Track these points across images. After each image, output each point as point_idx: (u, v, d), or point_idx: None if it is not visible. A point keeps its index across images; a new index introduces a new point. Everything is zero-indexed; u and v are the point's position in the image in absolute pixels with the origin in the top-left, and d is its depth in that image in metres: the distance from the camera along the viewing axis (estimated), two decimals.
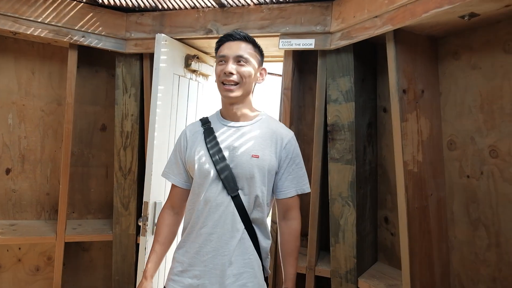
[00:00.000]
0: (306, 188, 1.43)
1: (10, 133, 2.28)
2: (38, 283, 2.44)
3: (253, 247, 1.34)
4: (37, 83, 2.31)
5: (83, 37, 2.07)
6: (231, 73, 1.32)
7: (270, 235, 1.43)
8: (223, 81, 1.33)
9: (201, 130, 1.42)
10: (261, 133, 1.38)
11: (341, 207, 1.96)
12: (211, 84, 2.46)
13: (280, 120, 2.08)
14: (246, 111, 1.40)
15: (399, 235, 1.65)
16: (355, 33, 1.69)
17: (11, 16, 1.90)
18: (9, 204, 2.33)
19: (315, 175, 2.03)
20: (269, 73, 2.72)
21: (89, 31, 2.07)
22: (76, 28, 2.04)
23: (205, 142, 1.36)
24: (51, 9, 1.97)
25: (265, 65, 2.49)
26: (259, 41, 2.08)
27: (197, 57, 2.21)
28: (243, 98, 1.38)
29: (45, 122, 2.36)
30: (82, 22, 2.05)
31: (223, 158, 1.33)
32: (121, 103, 2.27)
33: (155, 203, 1.99)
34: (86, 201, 2.54)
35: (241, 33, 1.38)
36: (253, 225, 1.35)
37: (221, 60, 1.36)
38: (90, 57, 2.38)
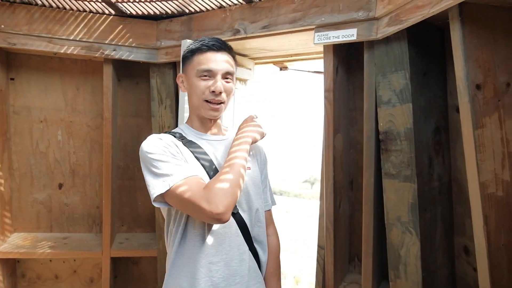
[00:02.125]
0: (274, 201, 1.42)
1: (60, 149, 2.36)
2: None
3: (259, 270, 1.25)
4: (82, 99, 2.35)
5: (114, 50, 2.02)
6: (221, 92, 1.18)
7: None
8: (210, 100, 1.18)
9: (180, 143, 1.22)
10: None
11: (400, 234, 1.57)
12: (250, 89, 2.24)
13: (324, 127, 1.77)
14: (219, 123, 1.33)
15: None
16: (405, 16, 1.30)
17: (45, 37, 1.92)
18: (63, 217, 2.41)
19: (367, 193, 1.68)
20: (316, 72, 2.40)
21: (119, 43, 2.01)
22: (106, 42, 2.00)
23: (194, 155, 1.18)
24: (82, 25, 1.95)
25: (308, 63, 2.18)
26: (292, 37, 1.80)
27: None
28: None
29: (91, 137, 2.39)
30: (112, 35, 2.00)
31: (217, 172, 1.17)
32: (157, 115, 2.17)
33: None
34: (135, 215, 2.52)
35: (224, 43, 1.24)
36: (254, 244, 1.25)
37: (206, 74, 1.18)
38: (130, 69, 2.34)
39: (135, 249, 2.29)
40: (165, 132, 1.28)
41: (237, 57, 2.13)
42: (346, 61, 1.78)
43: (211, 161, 1.19)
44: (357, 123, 1.90)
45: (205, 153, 1.20)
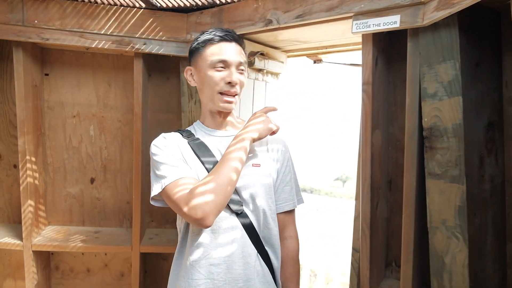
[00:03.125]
0: (301, 200, 1.31)
1: (92, 145, 2.38)
2: None
3: (270, 274, 1.18)
4: (113, 95, 2.35)
5: (144, 44, 1.99)
6: (236, 83, 1.16)
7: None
8: (225, 92, 1.15)
9: (184, 142, 1.20)
10: None
11: (445, 240, 1.44)
12: (282, 83, 2.15)
13: (361, 123, 1.65)
14: (232, 119, 1.28)
15: None
16: None
17: (77, 32, 1.92)
18: (95, 211, 2.44)
19: (408, 194, 1.55)
20: (352, 64, 2.27)
21: (149, 37, 1.98)
22: (137, 36, 1.97)
23: (197, 155, 1.16)
24: (113, 19, 1.94)
25: (344, 55, 2.12)
26: (328, 26, 1.69)
27: (262, 54, 1.93)
28: None
29: (122, 133, 2.39)
30: (142, 29, 1.97)
31: None
32: (187, 110, 2.13)
33: None
34: (164, 211, 2.50)
35: (235, 33, 1.21)
36: (265, 247, 1.18)
37: (221, 65, 1.15)
38: (160, 64, 2.32)
39: (163, 245, 2.28)
40: (175, 131, 1.26)
41: (269, 49, 2.06)
42: (386, 52, 1.65)
43: (214, 160, 1.15)
44: (397, 118, 1.77)
45: (210, 152, 1.17)
